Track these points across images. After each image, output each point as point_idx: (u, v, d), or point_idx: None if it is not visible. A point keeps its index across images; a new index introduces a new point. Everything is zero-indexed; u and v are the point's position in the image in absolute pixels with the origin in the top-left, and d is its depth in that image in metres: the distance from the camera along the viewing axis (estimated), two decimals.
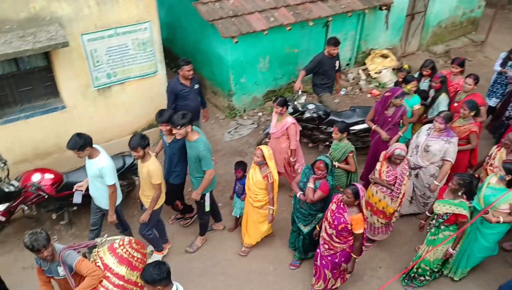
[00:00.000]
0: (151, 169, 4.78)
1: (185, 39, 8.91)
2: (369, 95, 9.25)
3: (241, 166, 5.66)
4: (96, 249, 3.98)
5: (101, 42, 6.21)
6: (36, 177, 5.55)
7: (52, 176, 5.65)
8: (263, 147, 5.19)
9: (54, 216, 5.88)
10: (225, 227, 6.16)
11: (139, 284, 3.99)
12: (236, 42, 7.25)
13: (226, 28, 7.24)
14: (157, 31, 6.65)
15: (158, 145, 5.74)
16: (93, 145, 4.72)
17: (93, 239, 4.23)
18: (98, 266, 3.84)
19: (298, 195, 5.14)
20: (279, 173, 5.84)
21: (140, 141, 4.64)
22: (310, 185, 4.98)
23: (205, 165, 5.05)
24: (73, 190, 5.24)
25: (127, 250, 3.95)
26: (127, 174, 6.14)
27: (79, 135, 4.60)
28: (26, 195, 5.50)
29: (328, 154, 5.52)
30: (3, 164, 5.38)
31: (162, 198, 5.17)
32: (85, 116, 6.56)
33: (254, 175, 5.27)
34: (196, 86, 6.32)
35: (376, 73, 9.68)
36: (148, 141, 4.74)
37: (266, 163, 5.17)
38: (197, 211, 5.69)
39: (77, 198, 5.26)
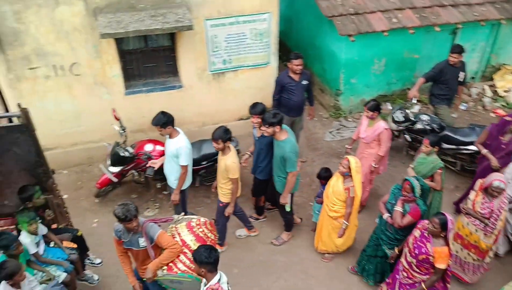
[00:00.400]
0: (228, 164, 4.84)
1: (300, 33, 8.89)
2: (492, 115, 8.34)
3: (324, 176, 5.47)
4: (174, 225, 4.14)
5: (222, 29, 6.47)
6: (148, 147, 6.02)
7: (162, 148, 6.03)
8: (351, 158, 4.94)
9: (159, 185, 6.32)
10: (302, 220, 6.10)
11: None
12: (353, 40, 7.03)
13: (344, 25, 7.05)
14: (275, 23, 6.73)
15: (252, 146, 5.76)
16: (175, 127, 5.00)
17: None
18: (177, 241, 3.99)
19: (385, 217, 4.80)
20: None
21: (222, 134, 4.73)
22: (398, 208, 4.62)
23: (289, 166, 4.98)
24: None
25: (203, 230, 4.10)
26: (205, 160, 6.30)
27: (163, 113, 4.89)
28: (138, 162, 5.99)
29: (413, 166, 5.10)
30: (122, 131, 5.91)
31: (239, 191, 5.24)
32: (198, 97, 6.92)
33: (335, 184, 5.05)
34: (304, 82, 6.26)
35: (504, 91, 8.68)
36: (230, 136, 4.80)
37: (351, 175, 4.92)
38: (279, 210, 5.68)
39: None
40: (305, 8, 8.30)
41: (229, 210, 5.21)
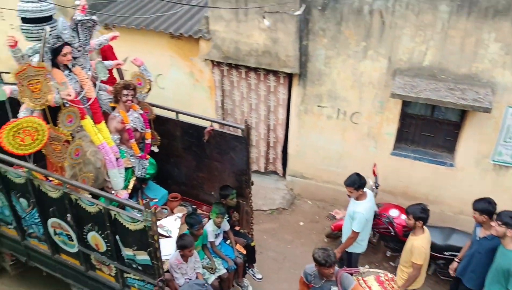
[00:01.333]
0: (415, 245, 4.50)
1: None
2: None
3: None
4: (360, 277, 4.13)
5: None
6: (393, 213, 5.81)
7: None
8: None
9: (389, 253, 6.04)
10: None
11: None
12: None
13: None
14: None
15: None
16: (365, 190, 4.96)
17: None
18: None
19: None
20: None
21: (416, 210, 4.54)
22: None
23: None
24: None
25: (392, 286, 4.11)
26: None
27: (359, 175, 4.89)
28: (378, 222, 5.83)
29: None
30: (375, 187, 5.89)
31: (419, 282, 4.70)
32: (467, 183, 6.27)
33: None
34: None
35: None
36: (424, 216, 4.50)
37: None
38: None
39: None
40: None
41: None
